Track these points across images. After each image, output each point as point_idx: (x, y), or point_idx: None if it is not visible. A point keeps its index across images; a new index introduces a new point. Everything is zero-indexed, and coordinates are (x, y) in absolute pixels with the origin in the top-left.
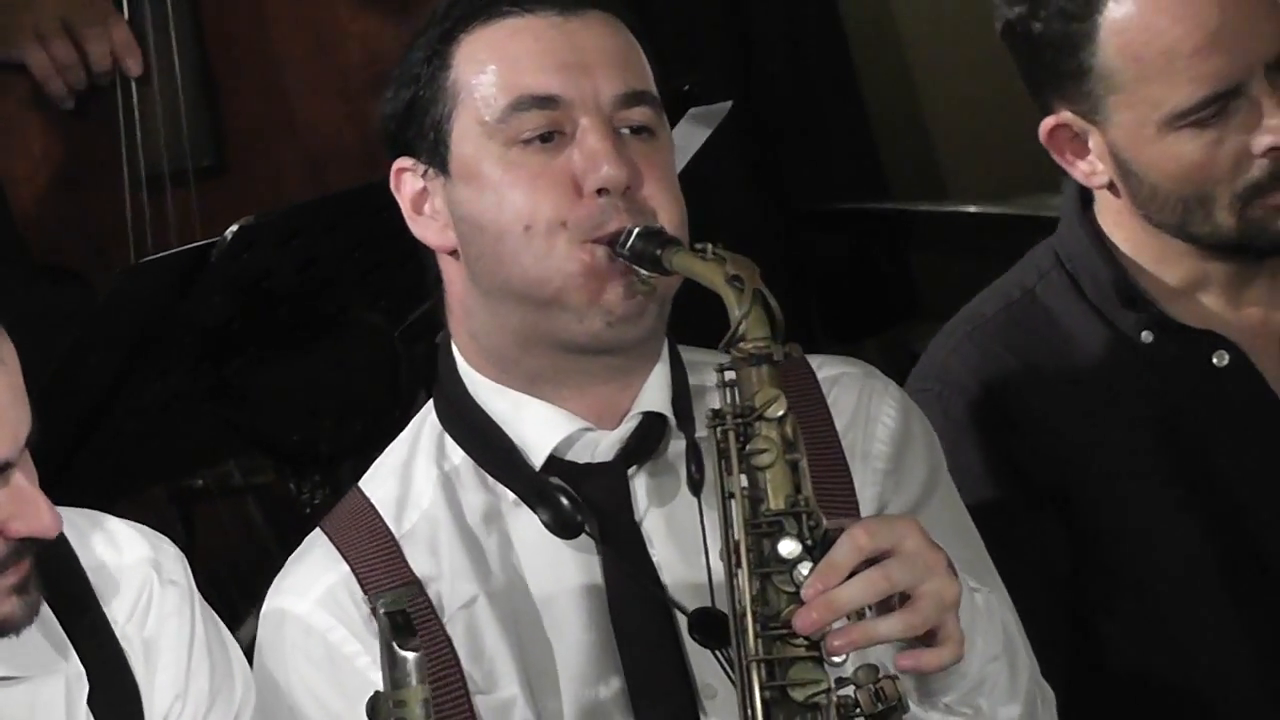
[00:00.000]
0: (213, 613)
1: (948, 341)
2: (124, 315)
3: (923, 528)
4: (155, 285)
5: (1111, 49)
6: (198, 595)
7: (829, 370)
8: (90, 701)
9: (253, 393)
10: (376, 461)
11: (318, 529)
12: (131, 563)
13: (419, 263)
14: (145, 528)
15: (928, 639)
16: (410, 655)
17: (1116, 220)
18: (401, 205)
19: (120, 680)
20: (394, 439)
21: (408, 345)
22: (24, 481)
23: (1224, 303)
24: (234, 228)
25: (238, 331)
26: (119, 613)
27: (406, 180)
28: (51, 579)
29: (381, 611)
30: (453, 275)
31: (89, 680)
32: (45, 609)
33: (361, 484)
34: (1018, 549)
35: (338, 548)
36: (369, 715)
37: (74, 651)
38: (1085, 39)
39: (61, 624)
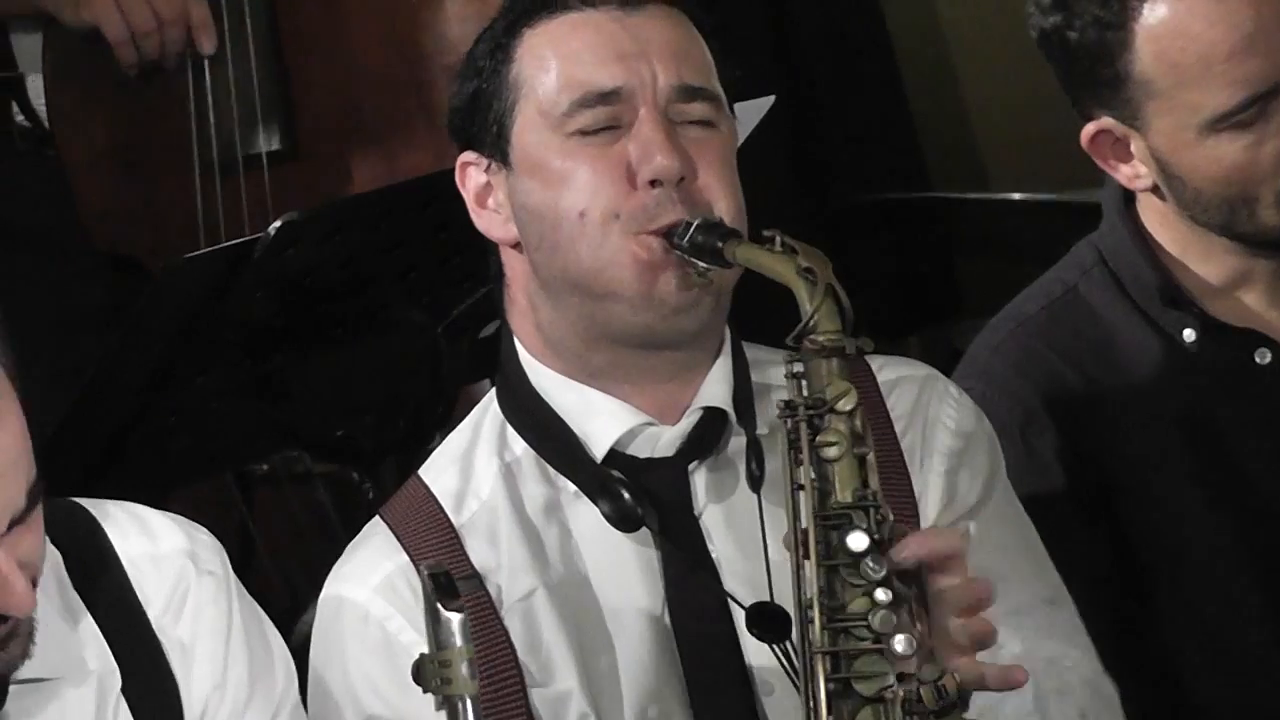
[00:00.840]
0: (253, 603)
1: (991, 340)
2: (167, 310)
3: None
4: (199, 281)
5: (1148, 56)
6: (236, 584)
7: (889, 373)
8: (126, 694)
9: (295, 389)
10: (436, 450)
11: (377, 517)
12: (167, 553)
13: (462, 259)
14: (181, 518)
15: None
16: (454, 616)
17: (1160, 219)
18: (466, 199)
19: (156, 673)
20: (436, 435)
21: (450, 342)
22: (3, 556)
23: (1266, 301)
24: (277, 224)
25: (280, 327)
26: (154, 604)
27: (471, 174)
28: (87, 573)
29: (425, 573)
30: (516, 268)
31: (123, 674)
32: (78, 602)
33: (421, 473)
34: (1060, 548)
35: (398, 537)
36: (414, 677)
37: (108, 648)
38: (1121, 47)
39: (95, 618)
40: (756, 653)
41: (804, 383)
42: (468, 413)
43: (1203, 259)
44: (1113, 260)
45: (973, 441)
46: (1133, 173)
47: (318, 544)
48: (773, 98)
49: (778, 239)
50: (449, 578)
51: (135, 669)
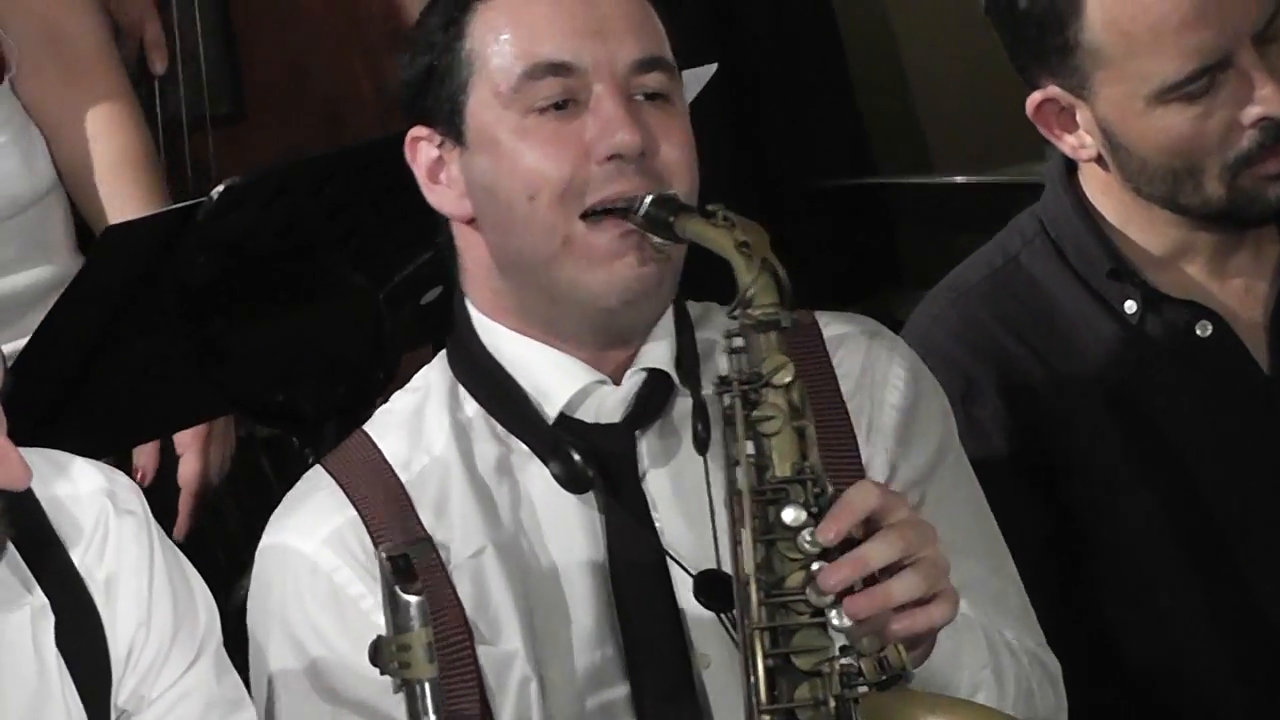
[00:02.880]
0: (171, 544)
1: (931, 309)
2: (108, 273)
3: (909, 507)
4: (140, 244)
5: (1098, 25)
6: (155, 525)
7: (836, 329)
8: (56, 630)
9: (235, 353)
10: (381, 409)
11: (319, 468)
12: (86, 494)
13: (404, 225)
14: (99, 462)
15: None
16: (413, 599)
17: (1103, 190)
18: (416, 174)
19: (83, 611)
20: (377, 400)
21: (391, 307)
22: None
23: (1208, 273)
24: (219, 188)
25: (221, 292)
26: (76, 544)
27: (422, 149)
28: (8, 514)
29: (384, 556)
30: (470, 242)
31: (53, 611)
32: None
33: (367, 428)
34: (1000, 516)
35: (346, 492)
36: (371, 660)
37: (38, 585)
38: (1071, 15)
39: (22, 557)
40: (695, 619)
41: (742, 357)
42: (408, 379)
43: (1145, 230)
44: (1054, 230)
45: (922, 402)
46: (1077, 142)
47: (257, 508)
48: (714, 66)
49: (719, 213)
50: (407, 560)
51: (62, 608)
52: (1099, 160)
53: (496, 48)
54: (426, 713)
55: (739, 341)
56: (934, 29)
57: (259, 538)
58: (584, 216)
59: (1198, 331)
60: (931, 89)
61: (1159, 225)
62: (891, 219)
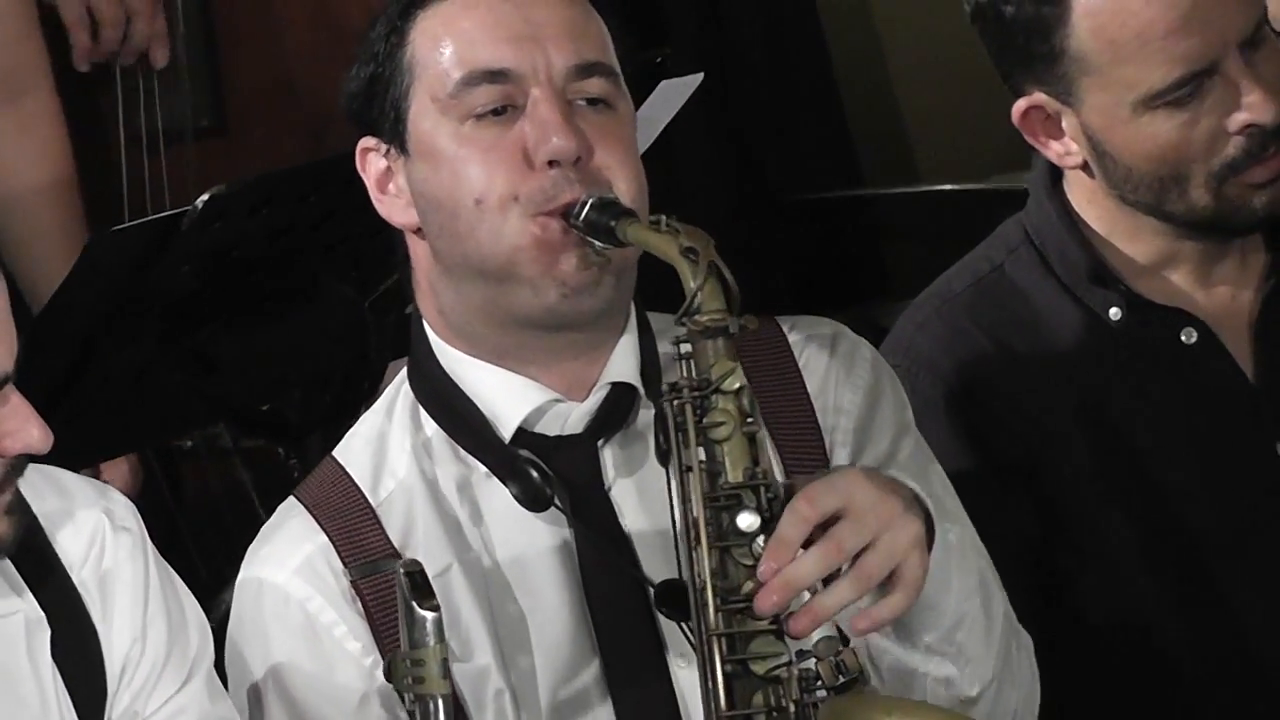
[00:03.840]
0: (166, 564)
1: (916, 317)
2: (93, 283)
3: (871, 474)
4: (125, 254)
5: (1084, 32)
6: (150, 544)
7: (800, 332)
8: (52, 645)
9: (222, 362)
10: (350, 432)
11: (292, 498)
12: (83, 509)
13: (389, 234)
14: (95, 480)
15: (883, 587)
16: (429, 614)
17: (1088, 197)
18: (367, 185)
19: (78, 623)
20: (363, 409)
21: (377, 316)
22: (19, 398)
23: (1193, 281)
24: (204, 197)
25: (207, 301)
26: (73, 558)
27: (371, 160)
28: (18, 509)
29: (401, 571)
30: (419, 253)
31: (49, 623)
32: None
33: (336, 454)
34: (985, 522)
35: (315, 518)
36: (386, 676)
37: (31, 594)
38: (1058, 22)
39: (18, 568)
40: (671, 628)
41: (691, 363)
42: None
43: (1130, 238)
44: (1039, 238)
45: (881, 397)
46: (1063, 150)
47: (238, 521)
48: (701, 75)
49: (663, 220)
50: (424, 576)
51: (59, 620)
52: (1084, 167)
53: (436, 55)
54: None
55: (687, 348)
56: (920, 39)
57: (241, 551)
58: (528, 217)
59: (1183, 339)
60: (918, 99)
61: (1144, 233)
62: (877, 229)
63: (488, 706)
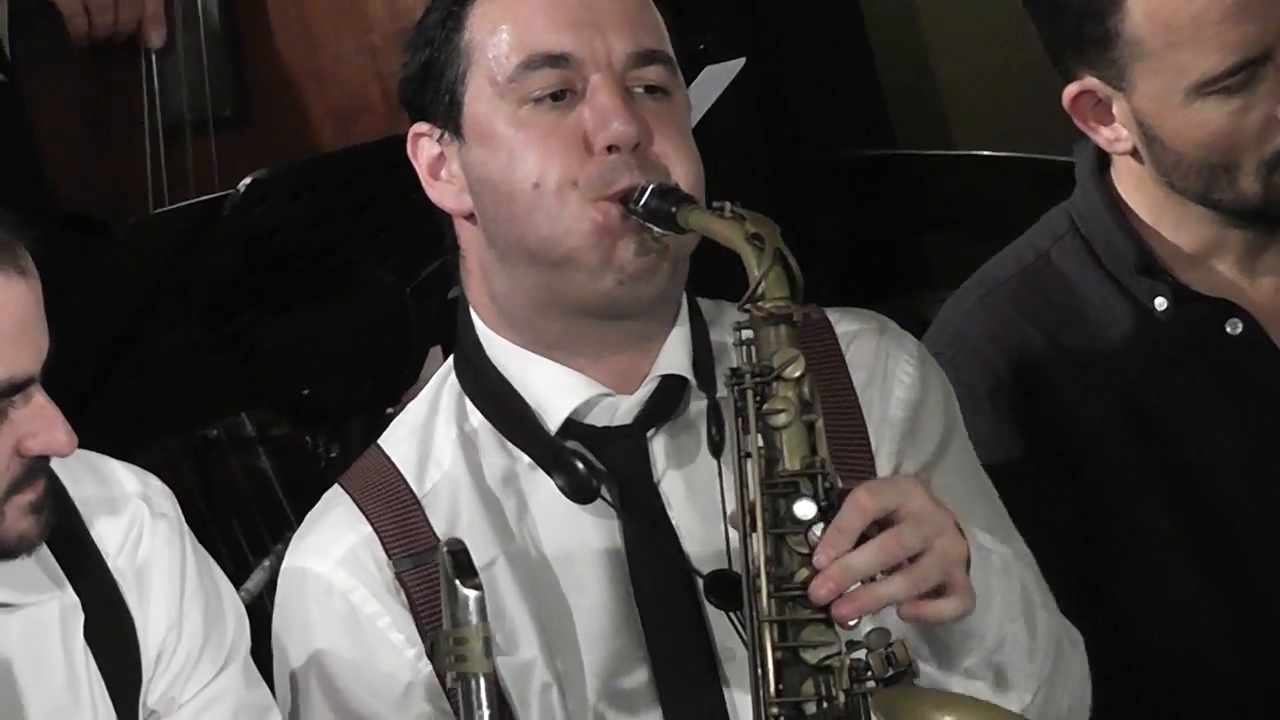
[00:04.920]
0: (203, 550)
1: (961, 305)
2: (135, 267)
3: (927, 486)
4: (167, 237)
5: (1139, 16)
6: (188, 531)
7: (847, 325)
8: (86, 631)
9: (262, 347)
10: (395, 420)
11: (337, 486)
12: (122, 496)
13: (430, 221)
14: (134, 466)
15: (934, 593)
16: (472, 593)
17: (1135, 185)
18: (418, 171)
19: (114, 610)
20: (402, 396)
21: (418, 303)
22: (44, 399)
23: (1239, 271)
24: (247, 181)
25: (248, 285)
26: (110, 544)
27: (423, 146)
28: (50, 501)
29: (445, 550)
30: (470, 239)
31: (84, 610)
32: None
33: (381, 442)
34: (1029, 513)
35: (360, 508)
36: (429, 656)
37: (68, 582)
38: (1112, 6)
39: (55, 556)
40: (719, 620)
41: (752, 349)
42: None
43: (1177, 226)
44: (1085, 227)
45: (928, 397)
46: (1113, 135)
47: (261, 510)
48: (743, 60)
49: (727, 206)
50: (467, 555)
51: (94, 608)
52: (1134, 154)
53: (494, 39)
54: (480, 706)
55: (748, 334)
56: (958, 17)
57: (263, 538)
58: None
59: (1227, 329)
60: (954, 71)
61: (1191, 222)
62: (916, 203)
63: (533, 700)
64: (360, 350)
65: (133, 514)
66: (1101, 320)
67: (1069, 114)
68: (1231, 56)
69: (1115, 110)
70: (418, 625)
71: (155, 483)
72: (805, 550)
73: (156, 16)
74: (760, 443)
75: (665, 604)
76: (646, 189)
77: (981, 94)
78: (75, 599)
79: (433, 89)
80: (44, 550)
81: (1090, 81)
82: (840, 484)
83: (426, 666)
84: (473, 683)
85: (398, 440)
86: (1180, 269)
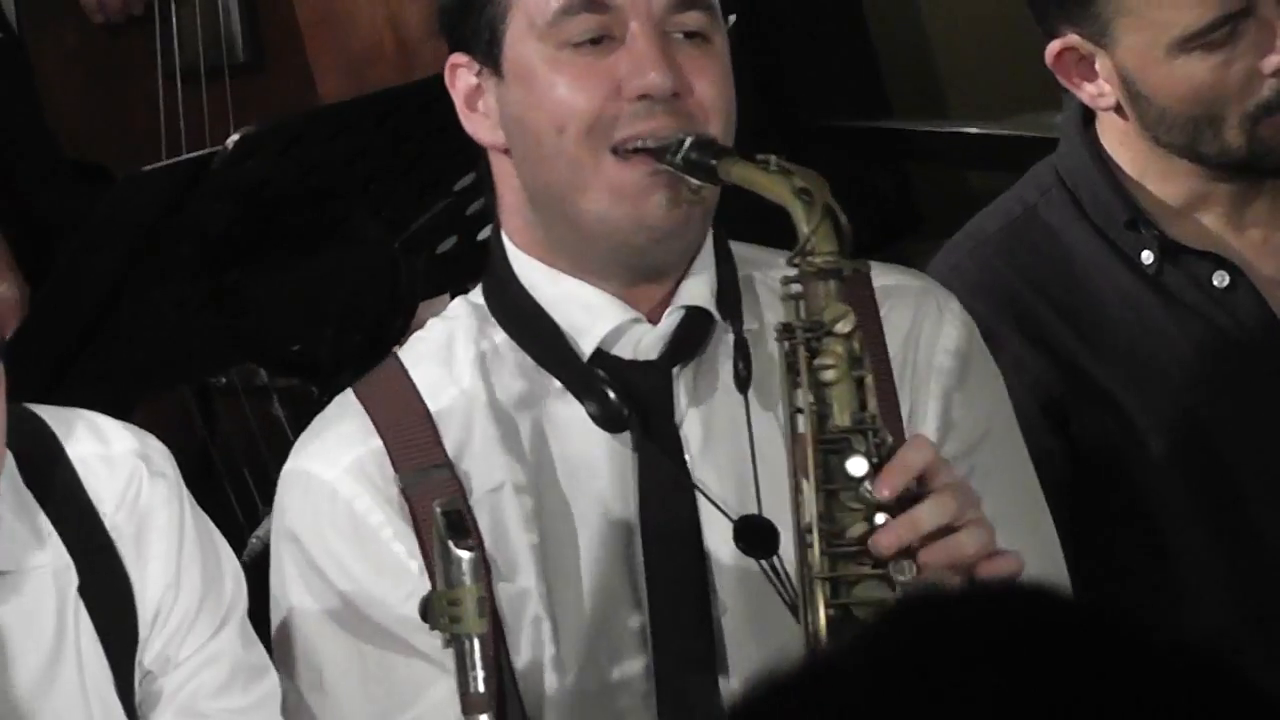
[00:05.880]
0: (201, 510)
1: (949, 259)
2: (124, 221)
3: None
4: (156, 193)
5: None
6: (186, 491)
7: (884, 279)
8: (81, 590)
9: (252, 302)
10: (415, 335)
11: (350, 393)
12: (119, 454)
13: (421, 173)
14: (132, 425)
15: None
16: (465, 554)
17: (1120, 140)
18: (455, 100)
19: (110, 569)
20: (392, 350)
21: (408, 256)
22: None
23: (1225, 223)
24: (235, 136)
25: (237, 241)
26: (107, 503)
27: (461, 76)
28: (38, 472)
29: (438, 510)
30: (502, 172)
31: (78, 570)
32: (31, 500)
33: (401, 354)
34: None
35: (373, 420)
36: (421, 615)
37: (61, 543)
38: None
39: (48, 514)
40: (717, 563)
41: (801, 304)
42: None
43: (1162, 180)
44: (1071, 181)
45: (973, 365)
46: (1096, 91)
47: (273, 458)
48: (733, 17)
49: (773, 160)
50: (460, 515)
51: (90, 567)
52: (1117, 110)
53: None
54: (474, 668)
55: (797, 288)
56: None
57: (272, 488)
58: (615, 152)
59: (1215, 282)
60: (949, 39)
61: (1177, 175)
62: (908, 165)
63: (524, 627)
64: (351, 304)
65: (130, 472)
66: (1089, 273)
67: (1052, 70)
68: (1213, 11)
69: (1098, 66)
70: (420, 541)
71: (154, 442)
72: (858, 506)
73: None
74: (811, 398)
75: (671, 544)
76: (684, 142)
77: (976, 55)
78: (68, 560)
79: (472, 22)
80: (35, 510)
81: (1073, 38)
82: (890, 440)
83: (428, 583)
84: (466, 644)
85: (419, 356)
86: (1167, 223)
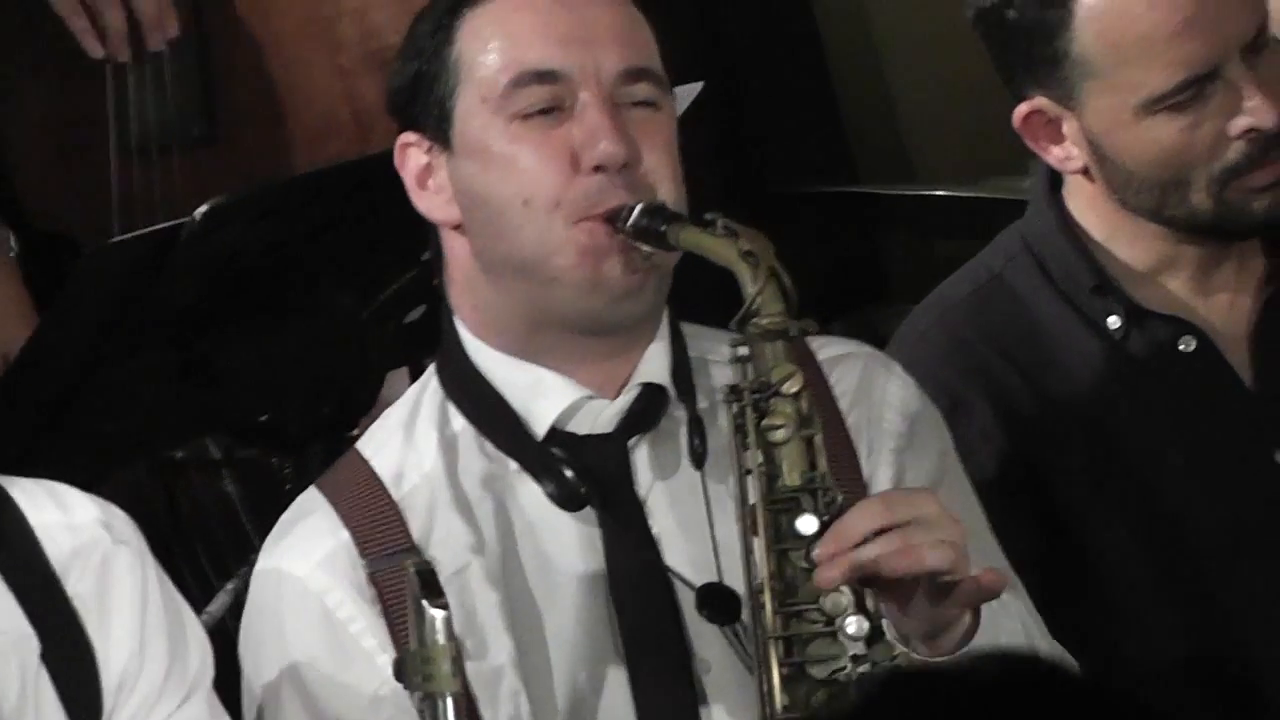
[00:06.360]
0: (167, 579)
1: (917, 326)
2: (92, 294)
3: (939, 500)
4: (124, 265)
5: (1088, 35)
6: (151, 559)
7: (830, 350)
8: (44, 658)
9: (221, 373)
10: (374, 425)
11: (314, 490)
12: (81, 523)
13: (389, 244)
14: (94, 496)
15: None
16: (439, 613)
17: (1088, 204)
18: (405, 180)
19: (73, 641)
20: (360, 422)
21: (376, 326)
22: None
23: (1192, 288)
24: (204, 208)
25: (205, 312)
26: (70, 574)
27: (411, 155)
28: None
29: (412, 570)
30: (457, 250)
31: (39, 637)
32: None
33: (359, 446)
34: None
35: (339, 513)
36: (395, 674)
37: (22, 611)
38: (1061, 25)
39: (8, 582)
40: (697, 633)
41: (749, 366)
42: (390, 401)
43: (1130, 244)
44: (1038, 246)
45: (920, 421)
46: (1064, 154)
47: (225, 534)
48: (701, 84)
49: (719, 222)
50: (434, 574)
51: (52, 635)
52: (1085, 172)
53: (484, 55)
54: None
55: (744, 351)
56: (917, 46)
57: (226, 562)
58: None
59: (1180, 347)
60: (915, 105)
61: (1144, 239)
62: (875, 228)
63: (502, 704)
64: (319, 374)
65: (93, 540)
66: (1056, 339)
67: (1019, 133)
68: (1180, 73)
69: (1065, 129)
70: (390, 630)
71: (117, 511)
72: (808, 565)
73: (157, 18)
74: (760, 459)
75: (646, 615)
76: (634, 209)
77: (944, 120)
78: (30, 628)
79: (422, 100)
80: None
81: (1040, 101)
82: (841, 499)
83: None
84: (440, 703)
85: (378, 444)
86: (1133, 287)
